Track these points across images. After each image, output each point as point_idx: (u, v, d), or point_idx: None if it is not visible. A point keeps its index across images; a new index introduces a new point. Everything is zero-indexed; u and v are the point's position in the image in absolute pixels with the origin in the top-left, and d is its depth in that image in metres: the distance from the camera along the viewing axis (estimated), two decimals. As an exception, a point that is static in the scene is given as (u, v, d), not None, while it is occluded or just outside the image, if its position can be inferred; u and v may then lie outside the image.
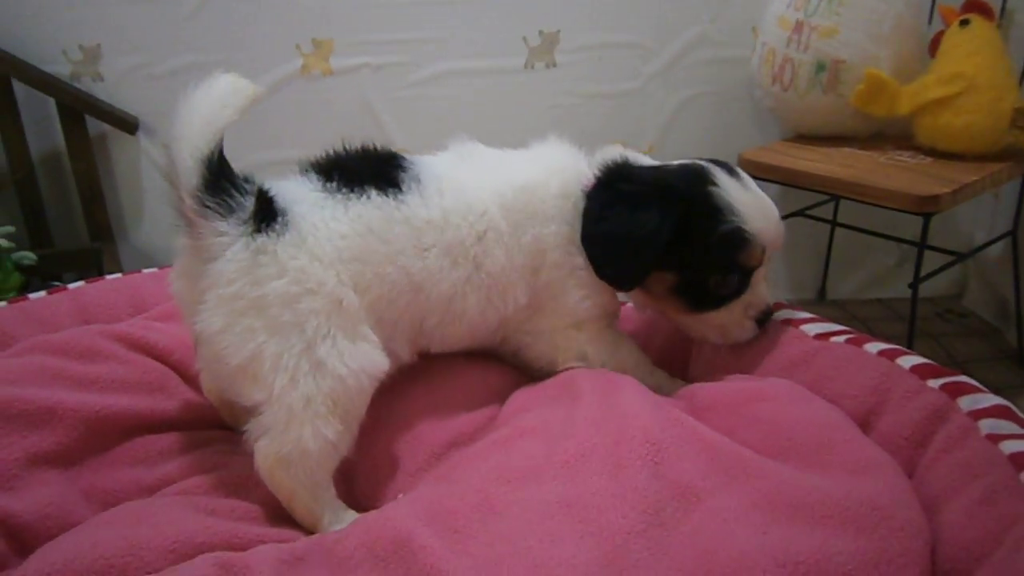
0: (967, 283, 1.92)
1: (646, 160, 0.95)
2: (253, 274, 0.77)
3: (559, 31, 1.76)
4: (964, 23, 1.39)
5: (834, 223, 1.74)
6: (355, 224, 0.83)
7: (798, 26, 1.47)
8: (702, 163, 0.90)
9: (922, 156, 1.43)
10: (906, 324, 1.35)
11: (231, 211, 0.76)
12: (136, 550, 0.79)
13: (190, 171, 0.73)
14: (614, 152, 0.95)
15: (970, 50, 1.37)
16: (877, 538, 0.70)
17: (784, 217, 1.70)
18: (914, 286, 1.29)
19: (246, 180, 0.79)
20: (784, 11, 1.51)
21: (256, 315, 0.77)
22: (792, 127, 1.63)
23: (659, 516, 0.73)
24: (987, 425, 0.81)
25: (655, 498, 0.75)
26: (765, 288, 0.94)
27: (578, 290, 0.94)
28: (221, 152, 0.76)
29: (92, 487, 0.93)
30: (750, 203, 0.87)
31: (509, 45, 1.77)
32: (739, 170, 0.92)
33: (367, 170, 0.87)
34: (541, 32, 1.76)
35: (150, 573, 0.75)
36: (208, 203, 0.75)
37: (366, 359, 0.81)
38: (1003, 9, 1.50)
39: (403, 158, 0.90)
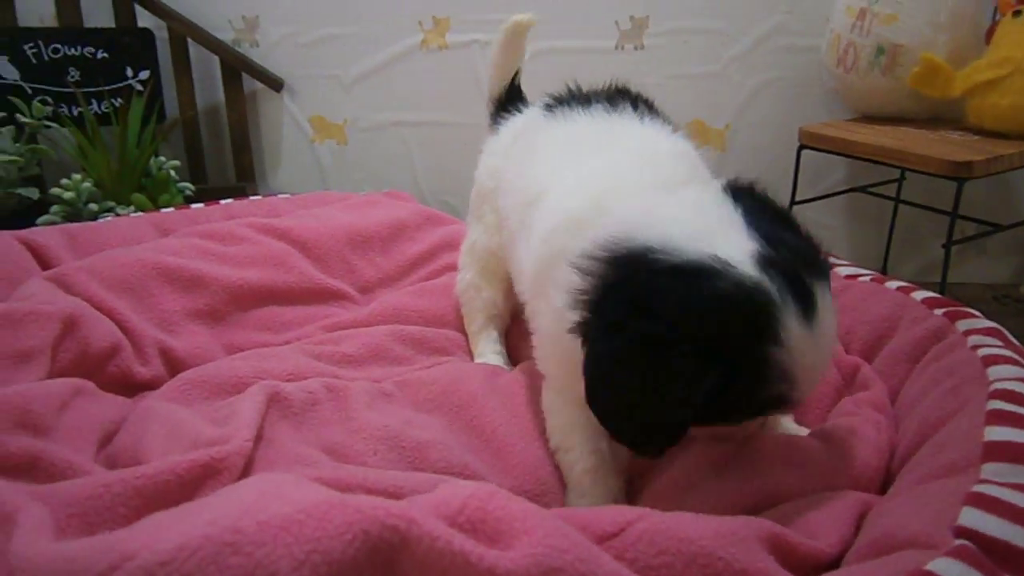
0: (1028, 273, 1.99)
1: (680, 221, 0.69)
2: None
3: (648, 16, 1.96)
4: (1017, 14, 1.51)
5: (897, 199, 1.86)
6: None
7: (862, 13, 1.62)
8: (765, 288, 0.64)
9: (971, 135, 1.55)
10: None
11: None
12: (262, 373, 1.06)
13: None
14: (630, 218, 0.71)
15: (1020, 38, 1.48)
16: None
17: (846, 191, 1.86)
18: (947, 247, 1.42)
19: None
20: (851, 1, 1.66)
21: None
22: (855, 108, 1.77)
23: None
24: (975, 339, 0.95)
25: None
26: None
27: None
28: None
29: (229, 342, 1.22)
30: (809, 359, 0.66)
31: (602, 28, 1.98)
32: (816, 274, 0.68)
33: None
34: (632, 17, 1.97)
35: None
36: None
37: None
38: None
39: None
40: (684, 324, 0.63)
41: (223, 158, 2.14)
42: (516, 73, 1.23)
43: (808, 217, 1.97)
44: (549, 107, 1.04)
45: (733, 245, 0.67)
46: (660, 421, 0.66)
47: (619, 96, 0.99)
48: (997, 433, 0.75)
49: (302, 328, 1.28)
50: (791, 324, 0.64)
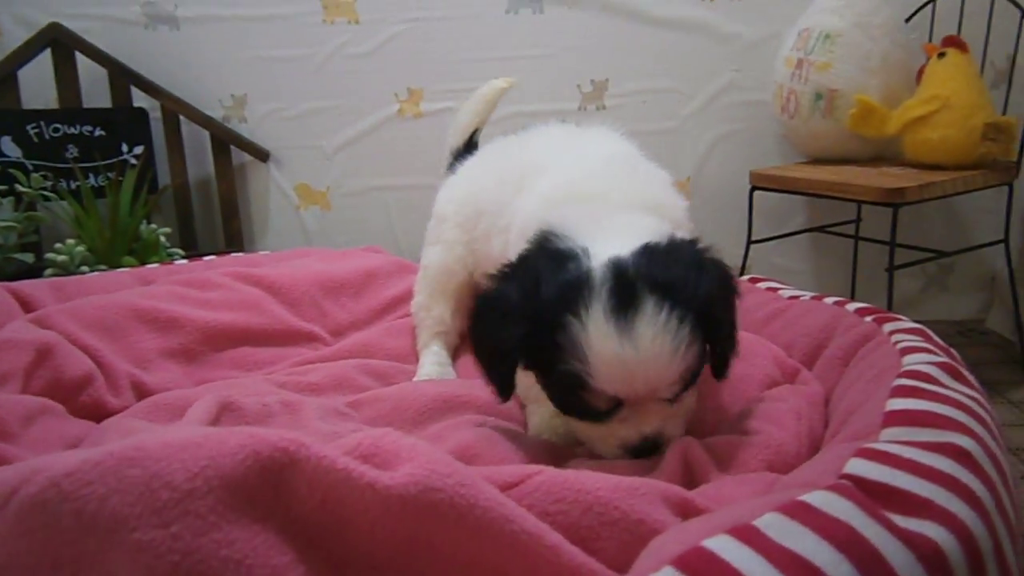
0: (991, 307, 2.04)
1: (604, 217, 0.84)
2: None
3: (608, 79, 2.10)
4: (941, 55, 1.62)
5: (856, 237, 1.93)
6: None
7: (799, 63, 1.73)
8: (591, 275, 0.75)
9: (910, 169, 1.64)
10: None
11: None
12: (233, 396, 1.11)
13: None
14: (561, 206, 0.88)
15: (945, 77, 1.59)
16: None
17: (803, 231, 1.93)
18: (889, 271, 1.48)
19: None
20: (789, 52, 1.78)
21: None
22: (804, 152, 1.87)
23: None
24: (898, 337, 1.02)
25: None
26: (647, 423, 0.80)
27: None
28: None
29: (202, 379, 1.27)
30: (607, 350, 0.72)
31: (566, 91, 2.12)
32: (647, 287, 0.74)
33: None
34: (593, 80, 2.11)
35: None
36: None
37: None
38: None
39: None
40: (526, 287, 0.78)
41: (213, 226, 2.25)
42: (476, 131, 1.42)
43: (774, 262, 2.07)
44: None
45: (608, 249, 0.77)
46: (495, 355, 0.81)
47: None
48: (898, 404, 0.80)
49: (274, 366, 1.33)
50: (597, 311, 0.73)
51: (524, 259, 0.83)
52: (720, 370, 0.86)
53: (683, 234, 0.85)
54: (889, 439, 0.73)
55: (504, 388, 0.83)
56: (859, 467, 0.67)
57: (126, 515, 0.48)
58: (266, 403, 1.02)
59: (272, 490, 0.53)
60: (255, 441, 0.53)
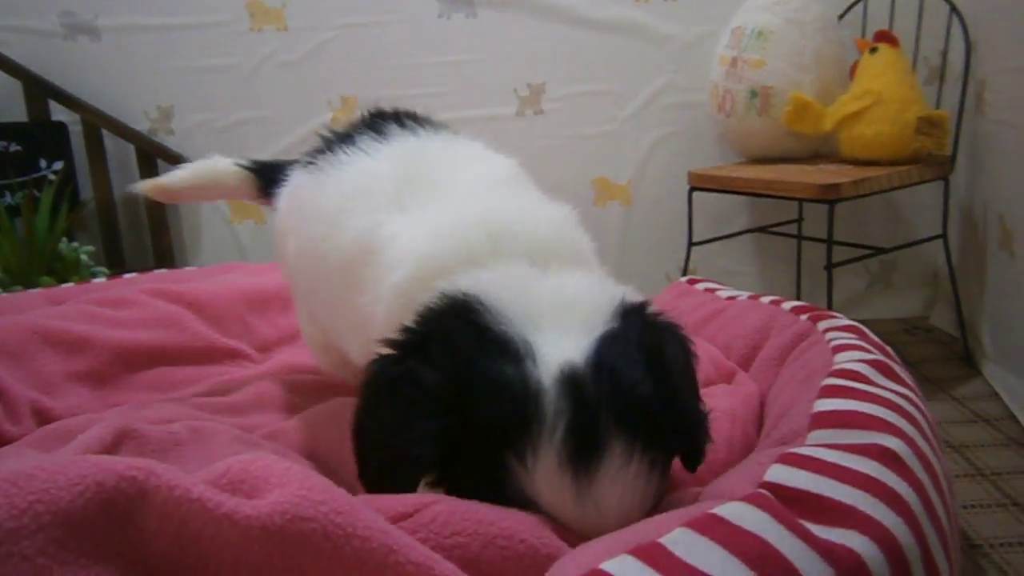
0: (935, 304, 2.04)
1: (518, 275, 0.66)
2: None
3: (544, 83, 2.06)
4: (873, 51, 1.61)
5: (800, 237, 1.92)
6: None
7: (734, 61, 1.72)
8: (555, 390, 0.58)
9: (846, 166, 1.63)
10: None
11: None
12: (132, 423, 1.04)
13: None
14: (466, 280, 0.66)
15: (877, 72, 1.58)
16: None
17: (745, 232, 1.92)
18: (828, 269, 1.46)
19: None
20: (723, 51, 1.76)
21: None
22: (743, 152, 1.85)
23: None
24: (831, 335, 0.99)
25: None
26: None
27: None
28: None
29: (114, 403, 1.20)
30: (563, 502, 0.59)
31: (503, 96, 2.08)
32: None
33: None
34: (529, 84, 2.07)
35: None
36: None
37: None
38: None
39: None
40: (449, 375, 0.60)
41: (142, 243, 2.16)
42: (248, 167, 1.23)
43: (718, 264, 2.04)
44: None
45: (556, 346, 0.60)
46: (394, 458, 0.61)
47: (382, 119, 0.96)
48: (825, 404, 0.77)
49: (194, 386, 1.26)
50: (550, 457, 0.57)
51: (439, 328, 0.63)
52: (694, 461, 0.70)
53: (616, 290, 0.69)
54: (814, 442, 0.70)
55: (406, 485, 0.62)
56: (779, 474, 0.63)
57: (-66, 563, 0.42)
58: (172, 431, 0.95)
59: (118, 526, 0.47)
60: (98, 471, 0.47)
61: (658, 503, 0.64)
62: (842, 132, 1.62)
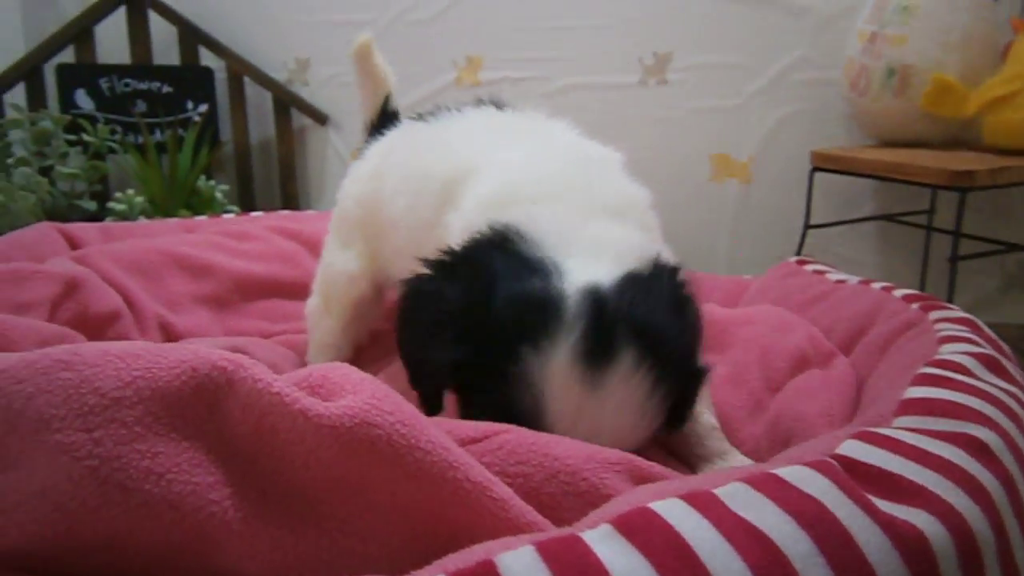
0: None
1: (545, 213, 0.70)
2: None
3: (671, 52, 2.02)
4: (1031, 31, 1.49)
5: (929, 228, 1.80)
6: None
7: (873, 36, 1.62)
8: (577, 299, 0.62)
9: (987, 155, 1.52)
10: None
11: None
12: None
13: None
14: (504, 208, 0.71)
15: (1034, 55, 1.46)
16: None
17: (867, 219, 1.82)
18: (952, 261, 1.38)
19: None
20: (862, 25, 1.67)
21: None
22: (873, 134, 1.75)
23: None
24: (942, 326, 0.95)
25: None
26: None
27: None
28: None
29: (230, 327, 1.30)
30: (571, 396, 0.62)
31: (626, 64, 2.05)
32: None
33: None
34: (655, 53, 2.03)
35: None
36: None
37: None
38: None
39: None
40: (474, 292, 0.64)
41: (272, 186, 2.29)
42: (386, 97, 1.24)
43: (838, 251, 1.96)
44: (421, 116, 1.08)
45: (585, 271, 0.64)
46: (421, 367, 0.69)
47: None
48: (917, 392, 0.74)
49: (301, 321, 1.35)
50: (564, 350, 0.61)
51: (473, 253, 0.68)
52: (682, 413, 0.72)
53: (661, 249, 0.73)
54: (898, 426, 0.67)
55: (430, 405, 0.68)
56: (852, 448, 0.62)
57: (50, 416, 0.48)
58: (275, 362, 1.03)
59: (206, 409, 0.52)
60: (195, 358, 0.52)
61: (649, 443, 0.68)
62: (986, 117, 1.50)
